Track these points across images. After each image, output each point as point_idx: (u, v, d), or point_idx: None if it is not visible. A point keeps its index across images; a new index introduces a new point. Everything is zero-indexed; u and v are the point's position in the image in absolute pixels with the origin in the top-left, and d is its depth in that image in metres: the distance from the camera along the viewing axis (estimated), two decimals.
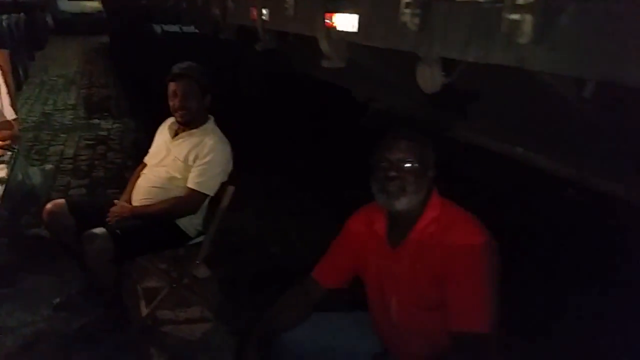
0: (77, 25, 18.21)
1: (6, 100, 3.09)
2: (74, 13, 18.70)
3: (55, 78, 9.85)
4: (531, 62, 1.11)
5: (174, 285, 2.63)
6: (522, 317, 2.62)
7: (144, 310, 2.66)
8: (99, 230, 2.24)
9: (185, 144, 2.48)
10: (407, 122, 4.00)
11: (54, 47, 14.60)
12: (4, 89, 3.10)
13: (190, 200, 2.43)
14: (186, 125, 2.52)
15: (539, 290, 2.91)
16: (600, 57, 0.95)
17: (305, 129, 5.13)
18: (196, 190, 2.42)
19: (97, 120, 6.79)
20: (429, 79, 1.52)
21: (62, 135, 6.04)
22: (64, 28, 17.81)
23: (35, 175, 3.37)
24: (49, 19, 16.96)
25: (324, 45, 1.98)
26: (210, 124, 2.56)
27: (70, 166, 4.98)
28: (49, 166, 4.28)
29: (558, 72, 1.08)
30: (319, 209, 3.92)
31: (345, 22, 1.77)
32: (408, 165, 1.50)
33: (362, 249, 1.68)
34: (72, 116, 7.07)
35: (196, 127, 2.52)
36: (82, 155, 5.33)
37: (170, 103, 2.49)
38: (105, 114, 7.14)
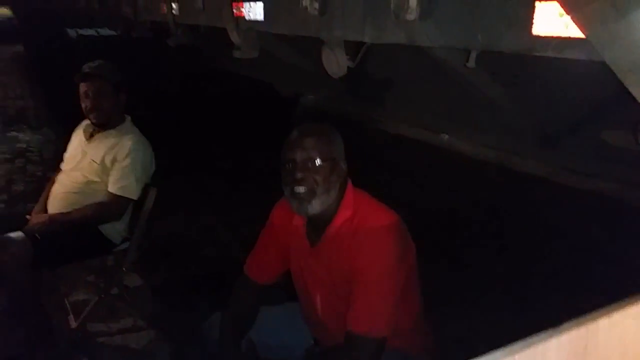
0: None
1: None
2: None
3: None
4: (420, 38, 1.15)
5: (103, 296, 2.54)
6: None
7: (73, 324, 2.55)
8: (16, 234, 2.11)
9: (101, 146, 2.39)
10: (336, 115, 4.06)
11: None
12: None
13: (113, 206, 2.34)
14: (101, 126, 2.43)
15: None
16: (478, 29, 1.00)
17: (231, 126, 5.08)
18: (118, 195, 2.33)
19: (14, 133, 6.42)
20: (334, 63, 1.53)
21: None
22: None
23: None
24: None
25: (234, 36, 1.96)
26: (127, 124, 2.48)
27: None
28: None
29: (444, 45, 1.13)
30: (250, 208, 3.89)
31: (253, 10, 1.77)
32: (316, 163, 1.42)
33: (286, 242, 1.65)
34: None
35: (112, 127, 2.43)
36: None
37: (82, 104, 2.38)
38: (24, 126, 6.76)
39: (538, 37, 0.95)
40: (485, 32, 1.00)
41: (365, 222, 1.43)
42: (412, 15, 1.10)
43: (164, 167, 2.60)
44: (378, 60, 1.93)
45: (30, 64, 11.73)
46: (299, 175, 1.42)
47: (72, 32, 7.06)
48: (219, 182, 4.40)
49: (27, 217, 2.39)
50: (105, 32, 6.41)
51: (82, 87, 2.37)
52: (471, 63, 1.15)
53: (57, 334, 2.45)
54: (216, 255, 3.35)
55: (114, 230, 2.43)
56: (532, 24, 0.94)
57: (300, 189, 1.42)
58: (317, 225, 1.51)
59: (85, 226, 2.35)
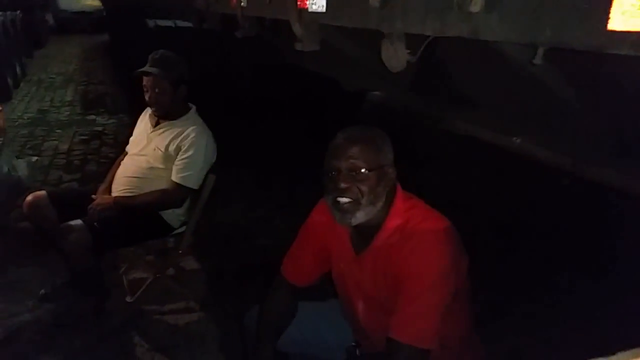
0: (77, 23, 18.22)
1: None
2: (74, 12, 18.69)
3: (53, 76, 9.86)
4: (484, 31, 1.08)
5: (158, 276, 2.63)
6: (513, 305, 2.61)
7: (129, 300, 2.66)
8: (76, 222, 2.24)
9: (165, 134, 2.46)
10: (404, 113, 3.99)
11: (54, 45, 14.63)
12: None
13: (175, 195, 2.41)
14: (163, 117, 2.50)
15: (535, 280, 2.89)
16: (546, 22, 0.93)
17: (295, 122, 5.12)
18: (181, 185, 2.40)
19: (92, 116, 6.80)
20: (393, 56, 1.49)
21: (57, 130, 6.05)
22: (65, 27, 17.82)
23: (22, 167, 3.37)
24: (50, 18, 16.97)
25: (296, 28, 1.95)
26: (192, 114, 2.53)
27: (64, 161, 4.98)
28: (34, 158, 4.27)
29: (509, 40, 1.06)
30: (309, 201, 3.90)
31: (316, 1, 1.75)
32: (361, 172, 1.34)
33: (327, 244, 1.57)
34: (68, 112, 7.08)
35: (176, 117, 2.49)
36: (76, 150, 5.33)
37: (145, 96, 2.46)
38: (102, 109, 7.16)
39: (614, 32, 0.86)
40: (554, 27, 0.92)
41: (416, 231, 1.34)
42: (476, 7, 1.04)
43: (226, 157, 2.64)
44: (444, 55, 1.86)
45: (113, 52, 12.40)
46: (342, 185, 1.34)
47: (151, 23, 7.37)
48: (279, 174, 4.44)
49: (93, 196, 2.51)
50: (182, 23, 6.64)
51: (144, 80, 2.44)
52: (538, 60, 1.07)
53: (113, 309, 2.57)
54: (271, 246, 3.38)
55: (173, 214, 2.51)
56: (608, 17, 0.86)
57: (344, 200, 1.35)
58: (363, 233, 1.44)
59: (146, 212, 2.44)
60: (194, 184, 2.41)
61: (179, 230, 2.59)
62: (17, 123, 6.31)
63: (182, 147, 2.41)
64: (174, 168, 2.42)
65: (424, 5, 1.25)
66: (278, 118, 5.40)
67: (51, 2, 17.84)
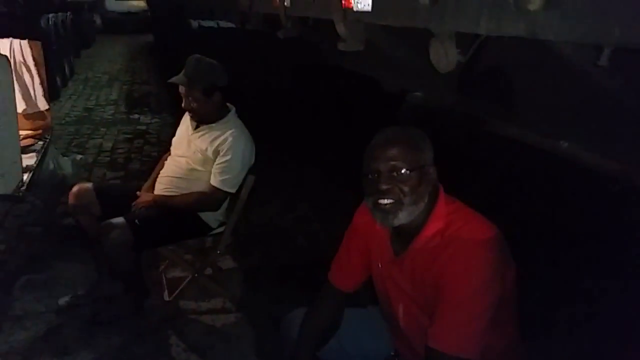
0: (123, 24, 18.73)
1: (39, 91, 3.17)
2: (121, 12, 19.23)
3: (99, 75, 10.15)
4: (543, 31, 1.01)
5: (196, 275, 2.64)
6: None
7: (167, 299, 2.67)
8: (117, 220, 2.26)
9: (205, 137, 2.46)
10: (445, 115, 3.89)
11: (101, 45, 15.05)
12: (37, 80, 3.19)
13: (213, 198, 2.42)
14: (198, 122, 2.50)
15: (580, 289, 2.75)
16: (615, 20, 0.85)
17: (334, 121, 5.07)
18: (219, 189, 2.40)
19: (136, 115, 6.94)
20: (443, 56, 1.42)
21: (101, 129, 6.20)
22: (111, 27, 18.34)
23: (67, 165, 3.45)
24: (97, 19, 17.50)
25: (340, 28, 1.91)
26: (231, 117, 2.52)
27: (107, 159, 5.09)
28: (79, 156, 4.37)
29: (571, 40, 0.98)
30: (347, 202, 3.85)
31: (361, 0, 1.71)
32: (402, 173, 1.31)
33: (369, 247, 1.55)
34: (112, 111, 7.25)
35: (214, 121, 2.48)
36: (119, 148, 5.44)
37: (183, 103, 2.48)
38: (145, 109, 7.30)
39: None
40: (623, 26, 0.85)
41: (459, 235, 1.29)
42: (534, 5, 0.97)
43: (265, 157, 2.63)
44: (493, 55, 1.78)
45: (157, 52, 12.67)
46: (383, 186, 1.32)
47: (194, 24, 7.48)
48: (318, 175, 4.41)
49: (137, 193, 2.54)
50: (225, 24, 6.70)
51: (179, 89, 2.44)
52: (603, 61, 0.99)
53: (151, 307, 2.59)
54: (308, 246, 3.36)
55: (211, 215, 2.51)
56: None
57: (386, 201, 1.32)
58: (404, 234, 1.40)
59: (185, 212, 2.45)
60: (231, 187, 2.41)
61: (218, 230, 2.59)
62: (64, 121, 6.50)
63: (220, 150, 2.41)
64: (213, 171, 2.42)
65: (477, 2, 1.18)
66: (317, 119, 5.37)
67: (99, 3, 18.40)
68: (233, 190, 2.43)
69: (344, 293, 1.62)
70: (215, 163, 2.42)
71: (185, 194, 2.46)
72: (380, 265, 1.50)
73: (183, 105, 2.46)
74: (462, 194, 1.46)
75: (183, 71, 2.42)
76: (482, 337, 1.24)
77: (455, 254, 1.27)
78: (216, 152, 2.42)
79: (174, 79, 2.41)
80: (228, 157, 2.39)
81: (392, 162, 1.31)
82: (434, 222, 1.34)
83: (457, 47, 1.41)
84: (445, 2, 1.30)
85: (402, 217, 1.33)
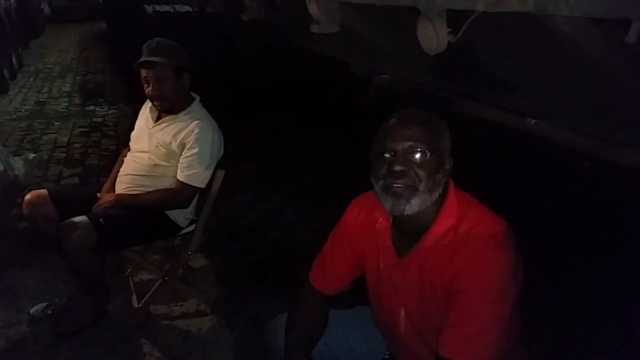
0: (74, 12, 17.93)
1: None
2: (70, 0, 18.39)
3: (50, 66, 9.67)
4: (555, 6, 0.90)
5: (166, 278, 2.48)
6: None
7: (136, 305, 2.51)
8: (80, 218, 2.07)
9: (168, 129, 2.28)
10: (412, 96, 3.80)
11: (50, 34, 14.39)
12: None
13: (181, 194, 2.25)
14: (167, 112, 2.30)
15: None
16: None
17: (302, 108, 4.93)
18: (187, 184, 2.23)
19: (92, 107, 6.63)
20: (433, 37, 1.30)
21: (56, 123, 5.89)
22: (60, 15, 17.55)
23: (18, 165, 3.20)
24: (45, 7, 16.70)
25: (312, 8, 1.76)
26: (195, 106, 2.33)
27: (64, 155, 4.82)
28: (32, 155, 4.10)
29: (591, 15, 0.87)
30: (319, 191, 3.75)
31: None
32: (419, 156, 1.18)
33: (361, 248, 1.42)
34: (66, 104, 6.91)
35: (179, 111, 2.29)
36: (76, 142, 5.17)
37: (145, 90, 2.25)
38: (101, 100, 6.99)
39: None
40: None
41: (474, 234, 1.17)
42: None
43: (233, 147, 2.47)
44: (478, 34, 1.66)
45: (111, 40, 12.17)
46: (398, 167, 1.18)
47: (149, 9, 7.14)
48: (288, 164, 4.27)
49: (98, 194, 2.36)
50: (182, 8, 6.42)
51: (142, 73, 2.22)
52: (631, 38, 0.88)
53: (120, 314, 2.42)
54: (283, 239, 3.23)
55: (180, 213, 2.35)
56: None
57: (399, 183, 1.19)
58: (410, 232, 1.27)
59: (152, 211, 2.28)
60: (200, 182, 2.24)
61: (187, 230, 2.43)
62: (14, 116, 6.15)
63: (186, 143, 2.23)
64: (179, 166, 2.24)
65: None
66: (286, 105, 5.21)
67: None
68: (202, 185, 2.27)
69: (327, 296, 1.50)
70: (182, 157, 2.24)
71: (151, 191, 2.28)
72: (379, 269, 1.36)
73: (149, 92, 2.24)
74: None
75: (146, 54, 2.20)
76: (499, 344, 1.14)
77: (473, 256, 1.15)
78: (182, 145, 2.24)
79: (144, 58, 2.18)
80: (195, 150, 2.22)
81: (411, 142, 1.19)
82: (445, 218, 1.22)
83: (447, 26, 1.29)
84: None
85: (415, 204, 1.19)
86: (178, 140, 2.24)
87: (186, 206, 2.29)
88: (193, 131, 2.23)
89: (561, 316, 2.38)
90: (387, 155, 1.21)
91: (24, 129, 5.61)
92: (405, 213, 1.21)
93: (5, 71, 7.19)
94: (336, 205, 1.56)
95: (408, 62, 2.27)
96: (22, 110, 6.47)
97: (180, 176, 2.23)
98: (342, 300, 1.62)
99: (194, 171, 2.22)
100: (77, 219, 2.08)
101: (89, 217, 2.10)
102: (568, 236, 2.97)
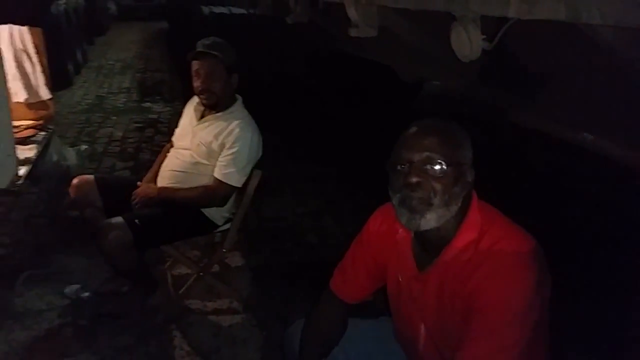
0: (138, 11, 18.61)
1: (41, 80, 3.06)
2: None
3: (112, 62, 10.07)
4: (588, 14, 0.85)
5: (201, 274, 2.53)
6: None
7: (172, 298, 2.57)
8: (116, 220, 2.15)
9: (210, 129, 2.34)
10: (464, 104, 3.72)
11: (115, 32, 14.97)
12: (38, 69, 3.08)
13: (218, 192, 2.29)
14: (211, 107, 2.36)
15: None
16: None
17: (349, 112, 4.91)
18: (223, 182, 2.27)
19: (148, 104, 6.85)
20: (466, 43, 1.27)
21: (113, 117, 6.12)
22: (126, 14, 18.24)
23: (71, 156, 3.35)
24: (112, 6, 17.40)
25: (351, 11, 1.76)
26: (238, 106, 2.39)
27: (118, 148, 5.00)
28: (83, 146, 4.28)
29: (625, 24, 0.82)
30: (359, 197, 3.72)
31: None
32: (437, 167, 1.14)
33: (383, 258, 1.39)
34: (124, 99, 7.16)
35: (222, 109, 2.36)
36: (130, 137, 5.35)
37: (194, 84, 2.33)
38: (157, 97, 7.20)
39: None
40: None
41: (496, 249, 1.13)
42: None
43: (277, 148, 2.50)
44: (520, 42, 1.61)
45: (171, 39, 12.56)
46: (414, 179, 1.15)
47: (205, 10, 7.33)
48: (330, 169, 4.27)
49: (138, 183, 2.43)
50: (237, 9, 6.54)
51: (194, 66, 2.30)
52: None
53: (156, 305, 2.49)
54: (319, 243, 3.24)
55: (217, 212, 2.39)
56: None
57: (414, 197, 1.15)
58: (430, 245, 1.24)
59: (188, 207, 2.33)
60: (236, 181, 2.28)
61: (224, 227, 2.47)
62: (75, 109, 6.42)
63: (226, 143, 2.28)
64: (217, 164, 2.29)
65: None
66: (329, 109, 5.22)
67: None
68: (239, 185, 2.31)
69: (347, 304, 1.48)
70: (221, 156, 2.29)
71: (190, 188, 2.33)
72: (399, 281, 1.33)
73: (198, 84, 2.30)
74: (485, 191, 1.31)
75: (200, 48, 2.29)
76: None
77: (493, 272, 1.11)
78: (222, 145, 2.29)
79: (201, 48, 2.27)
80: (234, 150, 2.26)
81: (427, 153, 1.15)
82: (467, 232, 1.18)
83: (482, 33, 1.25)
84: None
85: (430, 220, 1.16)
86: (219, 140, 2.29)
87: (222, 204, 2.33)
88: (233, 131, 2.28)
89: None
90: (403, 166, 1.18)
91: (82, 121, 5.86)
92: (421, 228, 1.17)
93: (70, 66, 7.54)
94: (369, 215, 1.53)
95: (450, 68, 2.22)
96: (83, 104, 6.76)
97: (218, 174, 2.27)
98: (368, 309, 1.60)
99: (231, 170, 2.26)
100: (113, 220, 2.16)
101: (125, 219, 2.16)
102: (623, 259, 2.82)
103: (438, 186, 1.14)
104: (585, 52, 1.27)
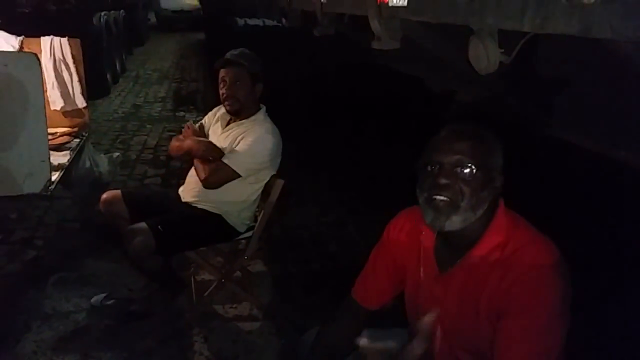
0: (176, 22, 19.08)
1: (78, 89, 3.18)
2: (174, 10, 19.60)
3: (150, 72, 10.34)
4: (599, 28, 0.84)
5: (223, 280, 2.56)
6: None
7: (194, 303, 2.61)
8: (140, 226, 2.21)
9: (232, 135, 2.40)
10: (498, 116, 3.67)
11: (154, 42, 15.39)
12: (76, 78, 3.20)
13: (217, 172, 2.31)
14: (235, 114, 2.43)
15: None
16: None
17: (376, 123, 4.91)
18: (226, 164, 2.29)
19: (182, 113, 7.00)
20: (483, 56, 1.26)
21: (147, 126, 6.27)
22: (165, 25, 18.73)
23: (103, 163, 3.46)
24: (152, 16, 17.91)
25: (374, 25, 1.77)
26: (261, 115, 2.45)
27: (150, 156, 5.12)
28: (116, 154, 4.40)
29: (635, 39, 0.81)
30: (384, 208, 3.70)
31: None
32: (466, 171, 1.16)
33: (403, 262, 1.40)
34: (159, 108, 7.34)
35: (245, 117, 2.42)
36: (163, 146, 5.46)
37: (220, 91, 2.41)
38: (192, 107, 7.35)
39: None
40: None
41: (522, 255, 1.13)
42: None
43: (303, 158, 2.53)
44: (547, 54, 1.60)
45: (206, 50, 12.83)
46: (442, 180, 1.17)
47: (240, 22, 7.48)
48: (356, 178, 4.27)
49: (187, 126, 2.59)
50: (270, 22, 6.65)
51: (221, 73, 2.39)
52: None
53: (179, 310, 2.54)
54: (341, 253, 3.24)
55: (239, 218, 2.43)
56: None
57: (441, 198, 1.17)
58: (454, 246, 1.25)
59: (209, 217, 2.38)
60: (239, 167, 2.29)
61: (246, 235, 2.50)
62: (111, 117, 6.62)
63: (244, 140, 2.34)
64: (227, 154, 2.34)
65: None
66: (356, 119, 5.22)
67: (154, 1, 18.83)
68: (240, 172, 2.30)
69: (367, 310, 1.48)
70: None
71: (209, 167, 2.35)
72: (419, 282, 1.34)
73: (224, 91, 2.38)
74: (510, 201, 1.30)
75: (228, 57, 2.38)
76: None
77: (521, 278, 1.10)
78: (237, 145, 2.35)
79: (229, 57, 2.36)
80: (247, 142, 2.31)
81: (458, 156, 1.17)
82: (493, 235, 1.18)
83: (500, 46, 1.25)
84: None
85: (455, 222, 1.17)
86: (238, 142, 2.34)
87: (216, 186, 2.34)
88: (252, 131, 2.35)
89: None
90: (433, 167, 1.19)
91: (118, 129, 6.03)
92: (446, 229, 1.18)
93: (108, 75, 7.78)
94: None
95: (477, 79, 2.21)
96: (119, 112, 6.95)
97: (224, 157, 2.32)
98: (382, 321, 1.59)
99: (238, 156, 2.30)
100: (137, 226, 2.22)
101: (148, 224, 2.22)
102: None
103: (466, 189, 1.16)
104: (609, 64, 1.25)
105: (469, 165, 1.16)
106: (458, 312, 1.24)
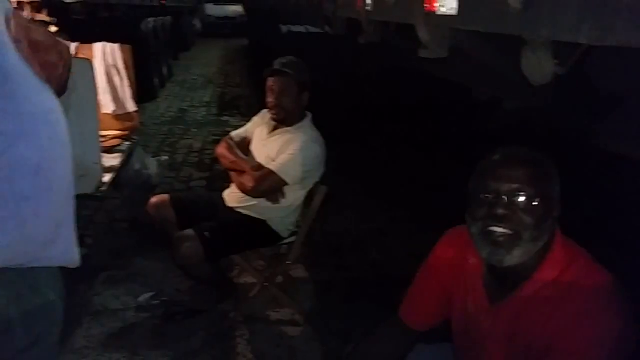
0: (221, 28, 19.50)
1: (128, 94, 3.29)
2: (219, 17, 20.04)
3: (195, 77, 10.58)
4: None
5: (266, 284, 2.60)
6: None
7: (238, 306, 2.65)
8: (188, 232, 2.28)
9: (278, 142, 2.43)
10: (545, 127, 3.57)
11: (199, 48, 15.76)
12: (126, 83, 3.31)
13: (265, 180, 2.33)
14: (281, 123, 2.46)
15: None
16: None
17: (420, 131, 4.87)
18: (274, 172, 2.32)
19: (226, 118, 7.13)
20: (537, 68, 1.24)
21: (193, 129, 6.42)
22: (210, 31, 19.17)
23: (152, 165, 3.56)
24: (197, 23, 18.33)
25: (422, 33, 1.76)
26: (306, 122, 2.48)
27: (196, 159, 5.24)
28: (164, 157, 4.52)
29: None
30: (426, 217, 3.67)
31: (446, 4, 1.55)
32: (527, 201, 1.07)
33: (451, 286, 1.33)
34: (204, 113, 7.50)
35: (291, 124, 2.45)
36: (207, 149, 5.58)
37: (267, 99, 2.45)
38: (235, 112, 7.48)
39: None
40: None
41: (577, 288, 1.08)
42: None
43: (346, 164, 2.54)
44: (599, 65, 1.56)
45: (250, 56, 13.03)
46: (501, 211, 1.08)
47: (284, 29, 7.57)
48: (399, 186, 4.24)
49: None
50: (313, 29, 6.70)
51: (269, 82, 2.43)
52: None
53: (224, 313, 2.59)
54: (382, 261, 3.22)
55: (283, 224, 2.46)
56: None
57: (501, 231, 1.08)
58: (506, 279, 1.18)
59: (254, 223, 2.43)
60: (287, 176, 2.32)
61: (289, 240, 2.53)
62: (159, 121, 6.81)
63: (289, 148, 2.37)
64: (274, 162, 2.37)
65: (577, 8, 1.00)
66: (402, 127, 5.20)
67: (200, 8, 19.30)
68: (288, 181, 2.33)
69: (415, 332, 1.43)
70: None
71: (255, 173, 2.38)
72: (467, 312, 1.28)
73: (271, 100, 2.42)
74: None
75: (277, 65, 2.42)
76: None
77: (578, 315, 1.04)
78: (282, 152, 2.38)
79: (277, 67, 2.39)
80: (293, 151, 2.34)
81: (517, 185, 1.09)
82: (549, 269, 1.12)
83: (555, 57, 1.23)
84: (540, 6, 1.12)
85: (517, 256, 1.09)
86: (283, 150, 2.37)
87: (263, 195, 2.37)
88: (296, 139, 2.37)
89: None
90: (488, 196, 1.11)
91: (165, 133, 6.20)
92: (505, 264, 1.11)
93: (156, 80, 8.01)
94: (441, 234, 1.48)
95: (525, 88, 2.17)
96: (166, 116, 7.15)
97: (271, 165, 2.34)
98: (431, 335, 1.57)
99: (286, 164, 2.32)
100: (185, 232, 2.30)
101: (195, 231, 2.29)
102: None
103: (528, 220, 1.08)
104: None
105: (530, 194, 1.08)
106: (508, 346, 1.19)
